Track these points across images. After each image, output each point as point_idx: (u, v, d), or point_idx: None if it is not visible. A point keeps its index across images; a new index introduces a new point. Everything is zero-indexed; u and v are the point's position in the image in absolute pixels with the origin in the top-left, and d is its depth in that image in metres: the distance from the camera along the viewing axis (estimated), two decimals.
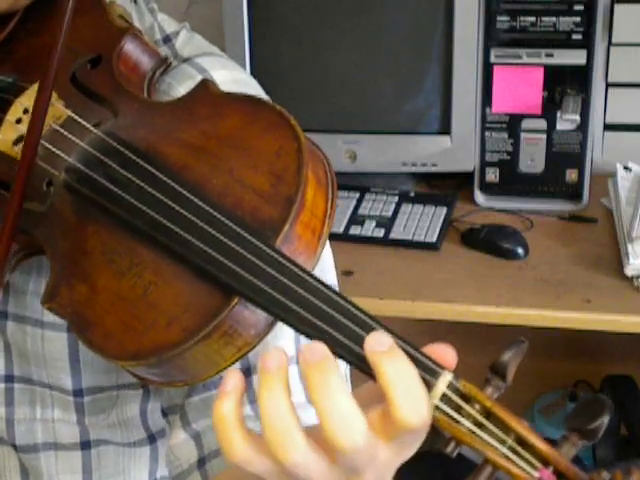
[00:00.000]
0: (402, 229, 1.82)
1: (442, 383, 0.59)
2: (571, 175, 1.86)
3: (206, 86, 0.77)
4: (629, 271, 1.64)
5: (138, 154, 0.73)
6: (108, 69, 0.81)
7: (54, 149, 0.76)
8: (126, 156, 0.73)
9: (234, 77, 0.92)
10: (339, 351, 0.61)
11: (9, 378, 0.92)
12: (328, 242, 0.91)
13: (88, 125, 0.77)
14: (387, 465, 0.60)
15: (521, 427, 0.59)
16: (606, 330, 1.64)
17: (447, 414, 0.59)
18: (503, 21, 1.81)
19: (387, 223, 1.83)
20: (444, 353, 0.61)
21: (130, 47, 0.83)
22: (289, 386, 0.58)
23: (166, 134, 0.75)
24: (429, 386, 0.59)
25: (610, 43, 1.92)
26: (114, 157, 0.73)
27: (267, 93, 0.95)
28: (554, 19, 1.79)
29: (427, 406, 0.58)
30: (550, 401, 2.22)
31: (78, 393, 0.90)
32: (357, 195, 1.91)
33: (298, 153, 0.69)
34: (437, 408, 0.59)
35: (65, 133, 0.77)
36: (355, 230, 1.82)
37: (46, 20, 0.86)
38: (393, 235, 1.81)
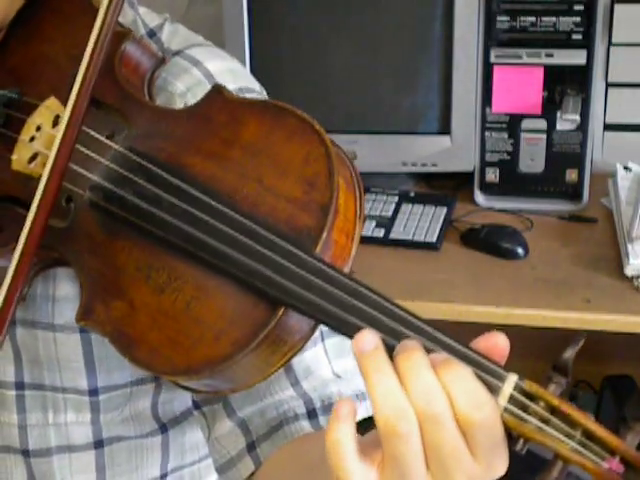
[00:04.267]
0: (402, 229, 1.82)
1: (509, 386, 0.60)
2: (571, 175, 1.86)
3: (219, 91, 0.76)
4: (629, 271, 1.64)
5: (163, 167, 0.72)
6: (111, 74, 0.80)
7: (77, 167, 0.75)
8: (151, 171, 0.72)
9: (229, 67, 0.91)
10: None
11: (20, 385, 0.91)
12: None
13: (105, 140, 0.76)
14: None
15: (588, 421, 0.60)
16: (606, 330, 1.64)
17: (515, 414, 0.60)
18: (503, 21, 1.81)
19: (387, 223, 1.83)
20: (494, 341, 0.62)
21: (131, 49, 0.82)
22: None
23: (186, 144, 0.74)
24: (497, 390, 0.60)
25: (610, 43, 1.92)
26: (139, 173, 0.72)
27: (267, 93, 0.95)
28: (554, 19, 1.79)
29: (407, 407, 0.58)
30: None
31: (94, 392, 0.90)
32: None
33: (327, 159, 0.69)
34: (505, 410, 0.60)
35: (85, 150, 0.76)
36: None
37: (39, 25, 0.84)
38: (393, 235, 1.81)
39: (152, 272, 0.70)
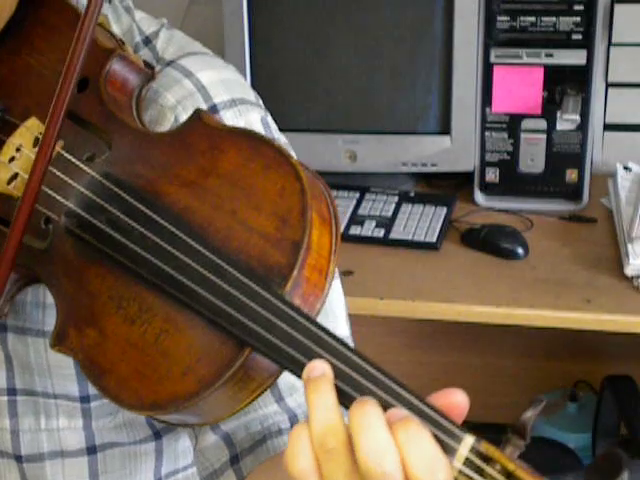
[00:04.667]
0: (402, 229, 1.82)
1: (464, 448, 0.59)
2: (571, 175, 1.86)
3: (200, 117, 0.75)
4: (629, 271, 1.64)
5: (138, 198, 0.71)
6: (96, 93, 0.78)
7: (51, 193, 0.75)
8: (127, 201, 0.71)
9: (221, 77, 0.90)
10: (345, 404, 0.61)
11: (11, 391, 0.91)
12: None
13: (82, 165, 0.75)
14: None
15: None
16: (606, 330, 1.64)
17: (469, 477, 0.59)
18: (503, 21, 1.81)
19: (387, 223, 1.83)
20: (453, 399, 0.61)
21: (117, 68, 0.80)
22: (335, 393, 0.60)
23: (164, 171, 0.73)
24: (452, 451, 0.59)
25: (610, 43, 1.92)
26: (114, 202, 0.72)
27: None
28: (554, 19, 1.79)
29: (339, 426, 0.59)
30: (550, 401, 2.22)
31: (85, 399, 0.90)
32: (357, 195, 1.91)
33: (301, 194, 0.68)
34: (460, 472, 0.59)
35: (61, 175, 0.75)
36: (355, 230, 1.82)
37: (28, 37, 0.83)
38: (393, 235, 1.81)
39: (123, 302, 0.70)
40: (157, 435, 0.95)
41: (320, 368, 0.60)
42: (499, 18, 1.80)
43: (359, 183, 1.94)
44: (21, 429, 0.92)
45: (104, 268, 0.72)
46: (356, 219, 1.85)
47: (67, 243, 0.74)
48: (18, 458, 0.93)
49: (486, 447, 0.59)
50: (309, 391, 0.60)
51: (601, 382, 2.08)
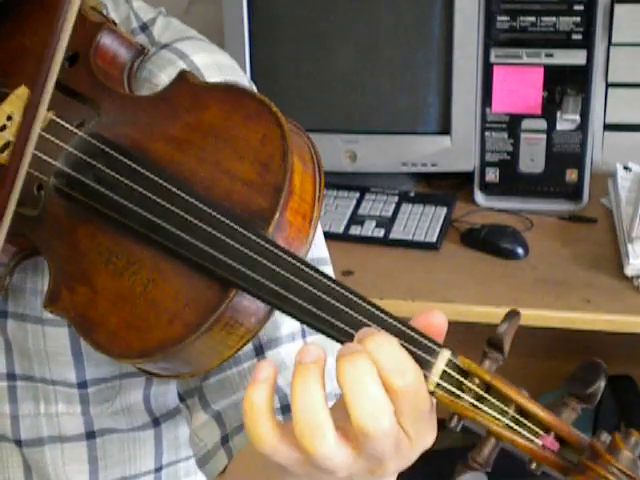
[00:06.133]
0: (402, 229, 1.82)
1: (441, 361, 0.60)
2: (571, 175, 1.86)
3: (184, 77, 0.77)
4: (629, 271, 1.64)
5: (124, 153, 0.73)
6: (86, 66, 0.81)
7: (41, 155, 0.76)
8: (112, 156, 0.73)
9: (215, 60, 0.91)
10: (341, 338, 0.62)
11: (11, 376, 0.92)
12: (323, 234, 0.91)
13: (71, 127, 0.77)
14: (409, 454, 0.61)
15: (521, 397, 0.60)
16: (606, 330, 1.64)
17: (448, 391, 0.60)
18: (503, 21, 1.81)
19: (387, 223, 1.83)
20: (432, 320, 0.62)
21: (106, 41, 0.82)
22: (323, 380, 0.60)
23: (150, 129, 0.76)
24: (429, 365, 0.60)
25: (610, 43, 1.92)
26: (101, 158, 0.74)
27: (267, 93, 0.94)
28: (554, 19, 1.79)
29: (385, 411, 0.58)
30: (550, 401, 2.22)
31: (82, 385, 0.91)
32: (357, 195, 1.91)
33: (282, 140, 0.70)
34: (438, 385, 0.60)
35: (50, 137, 0.77)
36: (355, 230, 1.82)
37: (24, 16, 0.85)
38: (393, 235, 1.81)
39: (112, 256, 0.72)
40: (156, 422, 0.96)
41: (314, 354, 0.60)
42: (499, 18, 1.80)
43: (359, 183, 1.94)
44: (21, 414, 0.93)
45: (93, 226, 0.74)
46: (356, 219, 1.85)
47: (58, 205, 0.76)
48: (18, 443, 0.94)
49: (463, 360, 0.61)
50: (297, 375, 0.60)
51: None
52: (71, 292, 0.73)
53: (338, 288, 0.64)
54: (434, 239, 1.78)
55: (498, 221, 1.84)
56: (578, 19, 1.78)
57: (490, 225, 1.80)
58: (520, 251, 1.75)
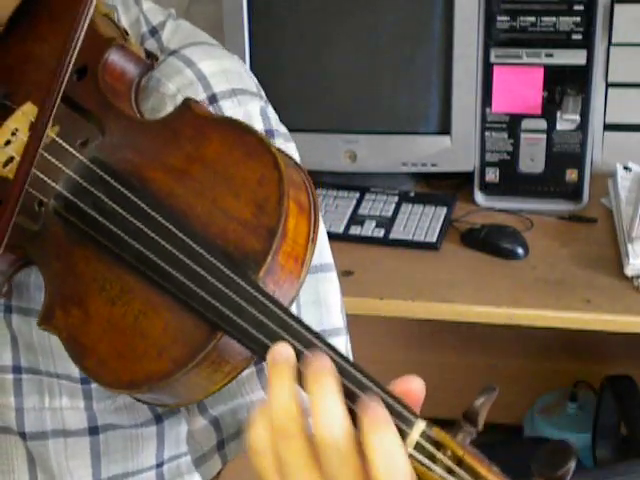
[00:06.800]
0: (402, 229, 1.82)
1: (416, 432, 0.60)
2: (571, 175, 1.86)
3: (188, 106, 0.77)
4: (629, 271, 1.64)
5: (124, 183, 0.73)
6: (94, 82, 0.80)
7: (41, 175, 0.77)
8: (111, 185, 0.74)
9: (222, 67, 0.91)
10: None
11: (17, 369, 0.93)
12: (325, 231, 0.91)
13: (73, 150, 0.77)
14: None
15: (491, 474, 0.59)
16: (606, 330, 1.64)
17: (420, 462, 0.60)
18: (503, 21, 1.81)
19: (387, 223, 1.83)
20: (410, 385, 0.62)
21: (115, 58, 0.82)
22: (295, 379, 0.61)
23: (151, 157, 0.76)
24: (404, 435, 0.60)
25: (610, 43, 1.92)
26: (100, 186, 0.74)
27: (267, 93, 0.94)
28: (554, 19, 1.79)
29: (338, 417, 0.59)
30: (550, 401, 2.22)
31: (85, 380, 0.91)
32: (357, 195, 1.91)
33: (279, 182, 0.70)
34: (411, 456, 0.60)
35: (51, 159, 0.77)
36: (355, 230, 1.82)
37: (35, 22, 0.85)
38: (393, 235, 1.81)
39: (106, 284, 0.73)
40: (158, 419, 0.96)
41: (284, 353, 0.61)
42: (499, 18, 1.80)
43: (359, 183, 1.94)
44: (25, 407, 0.93)
45: (89, 250, 0.74)
46: (356, 219, 1.85)
47: (57, 225, 0.76)
48: (22, 435, 0.95)
49: (437, 433, 0.60)
50: (271, 375, 0.61)
51: (601, 382, 2.08)
52: (65, 312, 0.74)
53: (321, 344, 0.64)
54: (434, 239, 1.78)
55: (498, 221, 1.84)
56: (578, 19, 1.78)
57: (490, 225, 1.80)
58: (520, 251, 1.75)
